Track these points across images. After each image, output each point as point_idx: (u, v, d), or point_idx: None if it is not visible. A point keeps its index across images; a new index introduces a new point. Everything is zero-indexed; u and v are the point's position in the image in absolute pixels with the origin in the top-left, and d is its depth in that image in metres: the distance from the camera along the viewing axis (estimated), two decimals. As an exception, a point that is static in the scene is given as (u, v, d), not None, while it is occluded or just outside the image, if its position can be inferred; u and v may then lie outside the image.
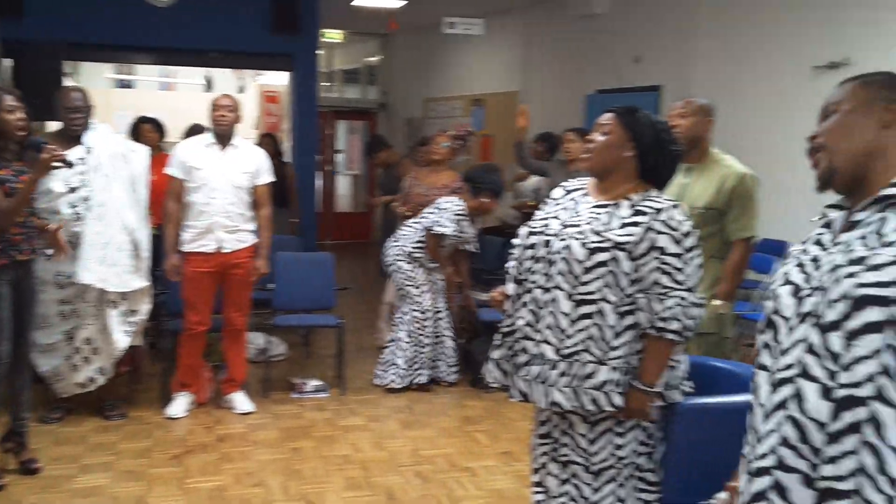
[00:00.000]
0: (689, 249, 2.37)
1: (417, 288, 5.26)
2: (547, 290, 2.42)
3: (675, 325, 2.34)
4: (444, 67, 11.80)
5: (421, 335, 5.24)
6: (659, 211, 2.38)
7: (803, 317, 1.46)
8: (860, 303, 1.36)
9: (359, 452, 4.26)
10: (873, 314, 1.34)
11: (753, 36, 7.08)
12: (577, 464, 2.50)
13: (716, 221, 3.45)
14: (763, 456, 1.48)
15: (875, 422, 1.34)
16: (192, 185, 4.58)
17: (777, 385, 1.48)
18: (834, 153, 1.53)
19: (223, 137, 4.66)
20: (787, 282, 1.53)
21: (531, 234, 2.53)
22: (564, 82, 9.18)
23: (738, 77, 7.05)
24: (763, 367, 1.54)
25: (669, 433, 2.51)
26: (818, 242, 1.54)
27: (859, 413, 1.35)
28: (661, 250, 2.34)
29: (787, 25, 6.77)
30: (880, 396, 1.34)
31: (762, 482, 1.47)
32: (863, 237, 1.43)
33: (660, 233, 2.35)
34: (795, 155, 6.55)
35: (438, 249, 5.24)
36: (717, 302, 3.41)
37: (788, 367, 1.46)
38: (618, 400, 2.36)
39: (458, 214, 5.20)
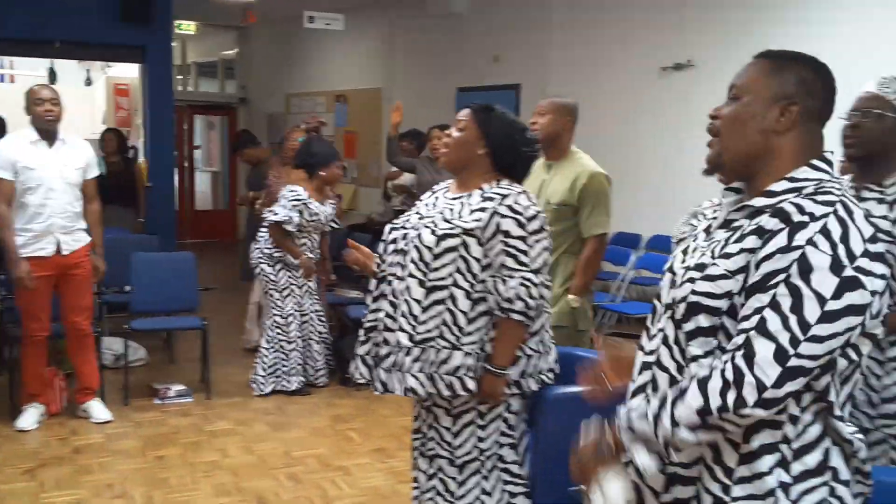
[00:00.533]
0: (534, 232, 2.45)
1: (280, 292, 5.11)
2: (402, 279, 2.46)
3: (518, 305, 2.39)
4: (305, 62, 11.64)
5: (283, 340, 5.12)
6: (505, 196, 2.45)
7: (666, 307, 1.50)
8: (693, 309, 1.41)
9: (227, 457, 4.16)
10: (703, 321, 1.41)
11: (605, 37, 7.39)
12: (442, 457, 2.55)
13: (570, 218, 3.58)
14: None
15: None
16: (26, 186, 4.27)
17: (641, 368, 1.54)
18: (725, 147, 1.51)
19: (49, 133, 4.39)
20: (671, 268, 1.55)
21: (392, 229, 2.57)
22: (429, 79, 9.27)
23: (592, 77, 7.33)
24: (640, 347, 1.59)
25: (536, 423, 2.58)
26: (708, 230, 1.56)
27: None
28: (506, 233, 2.41)
29: (636, 27, 7.11)
30: None
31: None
32: (721, 242, 1.44)
33: (504, 216, 2.42)
34: (644, 152, 6.96)
35: (285, 240, 5.08)
36: (570, 297, 3.54)
37: (651, 352, 1.52)
38: (471, 384, 2.42)
39: (296, 200, 5.04)
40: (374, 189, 9.43)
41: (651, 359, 1.51)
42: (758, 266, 1.34)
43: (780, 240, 1.32)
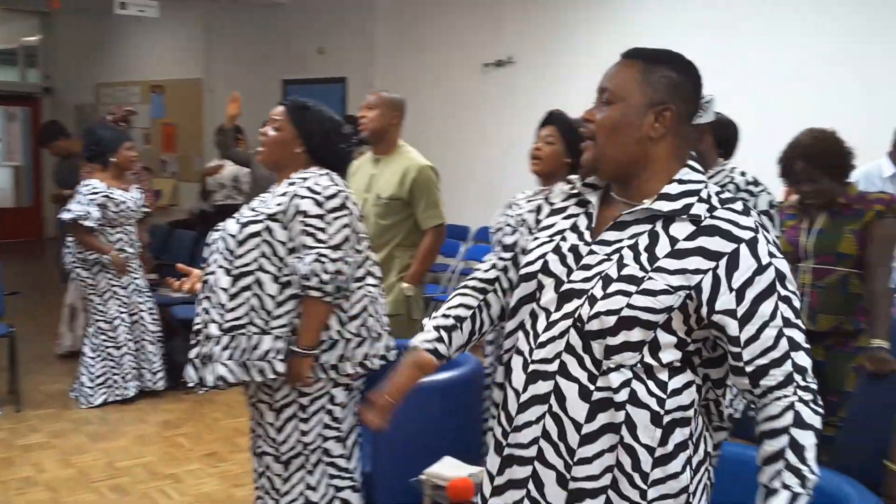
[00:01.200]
0: (333, 210, 2.45)
1: (101, 296, 4.78)
2: (213, 273, 2.44)
3: (314, 281, 2.39)
4: (117, 50, 11.01)
5: (110, 347, 4.82)
6: (305, 179, 2.48)
7: (565, 316, 1.46)
8: (627, 323, 1.40)
9: (43, 472, 3.88)
10: (636, 335, 1.40)
11: (429, 33, 7.51)
12: (269, 454, 2.53)
13: (401, 211, 3.62)
14: (524, 445, 1.50)
15: (630, 424, 1.41)
16: None
17: (535, 376, 1.48)
18: (602, 154, 1.49)
19: None
20: (548, 271, 1.51)
21: (216, 230, 2.54)
22: (252, 71, 9.02)
23: (418, 71, 7.43)
24: (519, 352, 1.53)
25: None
26: (574, 228, 1.53)
27: (617, 416, 1.41)
28: (304, 213, 2.42)
29: (459, 24, 7.27)
30: (634, 399, 1.41)
31: (524, 471, 1.50)
32: (634, 250, 1.43)
33: (303, 197, 2.43)
34: (470, 145, 7.14)
35: (89, 238, 4.69)
36: (404, 285, 3.59)
37: (546, 360, 1.47)
38: (280, 367, 2.41)
39: (93, 194, 4.67)
40: (196, 184, 9.09)
41: (548, 368, 1.47)
42: (739, 293, 1.39)
43: (748, 261, 1.39)
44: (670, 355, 1.42)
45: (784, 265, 1.42)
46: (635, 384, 1.41)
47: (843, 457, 2.51)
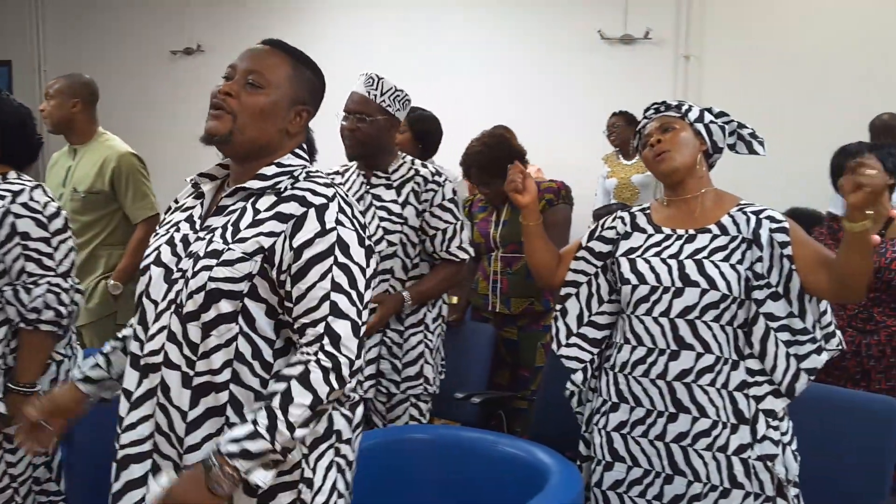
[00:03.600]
0: (57, 232, 2.25)
1: None
2: None
3: (48, 315, 2.18)
4: None
5: None
6: (17, 193, 2.20)
7: (169, 303, 1.47)
8: (214, 296, 1.42)
9: None
10: (225, 306, 1.42)
11: (108, 18, 7.02)
12: None
13: (104, 206, 3.35)
14: (140, 441, 1.49)
15: (235, 403, 1.44)
16: None
17: (146, 371, 1.48)
18: (244, 129, 1.49)
19: None
20: (159, 262, 1.52)
21: None
22: None
23: (98, 58, 6.90)
24: (134, 356, 1.51)
25: (70, 436, 2.40)
26: (189, 219, 1.56)
27: (220, 398, 1.44)
28: (25, 235, 2.18)
29: (143, 11, 6.88)
30: (237, 380, 1.44)
31: (142, 467, 1.49)
32: (224, 227, 1.47)
33: (20, 216, 2.18)
34: (161, 135, 6.77)
35: None
36: (111, 282, 3.34)
37: (154, 352, 1.47)
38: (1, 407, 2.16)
39: None
40: None
41: (155, 360, 1.47)
42: (297, 252, 1.42)
43: (312, 224, 1.42)
44: (267, 328, 1.45)
45: (352, 236, 1.45)
46: (238, 365, 1.43)
47: (537, 427, 2.77)
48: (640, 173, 5.12)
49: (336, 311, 1.41)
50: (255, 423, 1.36)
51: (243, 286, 1.42)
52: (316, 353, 1.40)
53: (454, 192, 2.61)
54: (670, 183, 2.01)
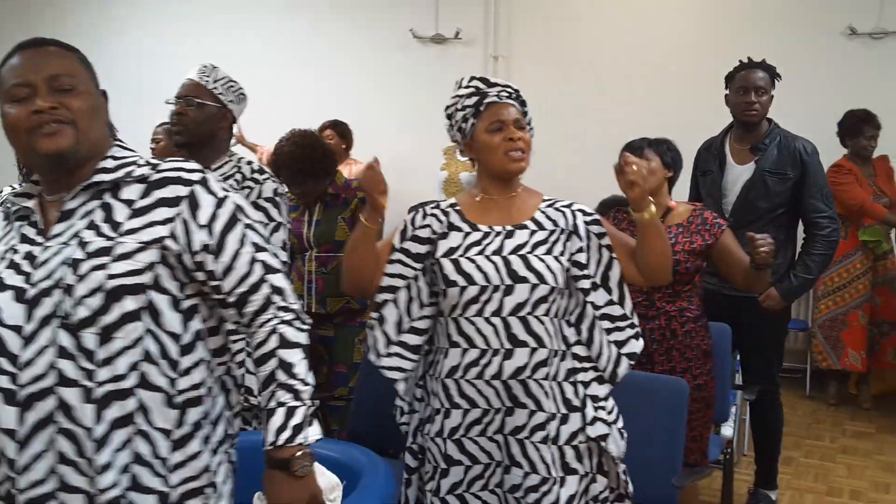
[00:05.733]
0: None
1: None
2: None
3: None
4: None
5: None
6: None
7: (43, 322, 1.35)
8: (115, 294, 1.35)
9: None
10: (130, 304, 1.36)
11: None
12: None
13: None
14: (40, 482, 1.35)
15: (143, 409, 1.38)
16: None
17: (30, 401, 1.34)
18: (86, 136, 1.41)
19: None
20: (4, 286, 1.38)
21: None
22: None
23: None
24: (6, 391, 1.35)
25: None
26: (24, 239, 1.42)
27: (126, 405, 1.36)
28: None
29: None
30: (144, 382, 1.38)
31: None
32: (92, 227, 1.39)
33: None
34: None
35: None
36: None
37: (39, 378, 1.34)
38: None
39: None
40: None
41: (42, 385, 1.33)
42: (208, 228, 1.43)
43: (207, 198, 1.44)
44: (174, 321, 1.41)
45: (241, 199, 1.51)
46: (145, 366, 1.38)
47: (355, 424, 2.76)
48: (467, 171, 5.13)
49: (269, 269, 1.48)
50: (281, 404, 1.42)
51: (146, 277, 1.37)
52: (275, 315, 1.46)
53: (275, 191, 2.53)
54: (507, 181, 2.01)
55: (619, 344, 1.95)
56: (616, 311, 1.95)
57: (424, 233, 2.01)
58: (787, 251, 3.23)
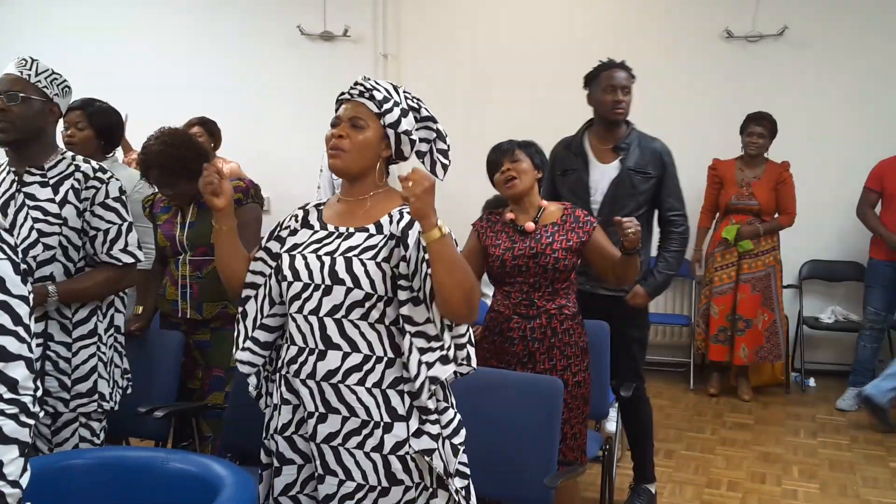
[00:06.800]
0: None
1: None
2: None
3: None
4: None
5: None
6: None
7: None
8: None
9: None
10: None
11: None
12: None
13: None
14: None
15: None
16: None
17: None
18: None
19: None
20: None
21: None
22: None
23: None
24: None
25: None
26: None
27: None
28: None
29: None
30: None
31: None
32: None
33: None
34: None
35: None
36: None
37: None
38: None
39: None
40: None
41: None
42: None
43: None
44: None
45: (5, 266, 1.37)
46: None
47: (230, 430, 2.68)
48: None
49: (6, 356, 1.35)
50: None
51: None
52: None
53: (121, 189, 2.40)
54: (353, 182, 1.96)
55: (429, 365, 1.83)
56: (432, 330, 1.84)
57: (285, 233, 2.02)
58: (648, 248, 3.34)
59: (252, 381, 2.03)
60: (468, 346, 1.90)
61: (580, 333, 2.75)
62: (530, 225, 2.72)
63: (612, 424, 3.82)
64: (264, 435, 2.02)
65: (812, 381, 5.27)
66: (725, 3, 5.35)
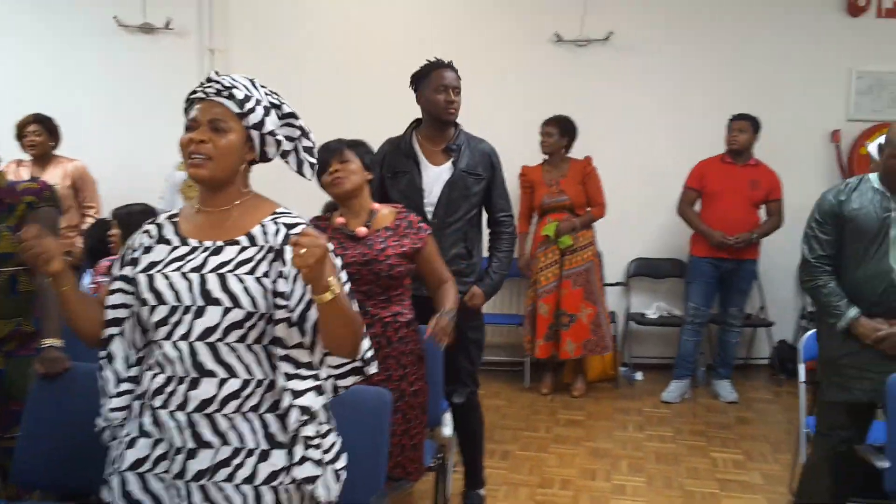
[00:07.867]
0: None
1: None
2: None
3: None
4: None
5: None
6: None
7: None
8: None
9: None
10: None
11: None
12: None
13: None
14: None
15: None
16: None
17: None
18: None
19: None
20: None
21: None
22: None
23: None
24: None
25: None
26: None
27: None
28: None
29: None
30: None
31: None
32: None
33: None
34: None
35: None
36: None
37: None
38: None
39: None
40: None
41: None
42: None
43: None
44: None
45: None
46: None
47: (24, 466, 2.39)
48: None
49: None
50: None
51: None
52: None
53: None
54: (214, 191, 1.77)
55: (296, 394, 1.69)
56: (303, 356, 1.71)
57: (137, 254, 1.80)
58: (480, 250, 3.34)
59: (118, 415, 1.80)
60: (351, 375, 1.79)
61: (416, 341, 2.67)
62: (362, 230, 2.61)
63: (448, 429, 3.77)
64: (106, 471, 1.79)
65: (639, 375, 5.48)
66: (555, 8, 5.47)
